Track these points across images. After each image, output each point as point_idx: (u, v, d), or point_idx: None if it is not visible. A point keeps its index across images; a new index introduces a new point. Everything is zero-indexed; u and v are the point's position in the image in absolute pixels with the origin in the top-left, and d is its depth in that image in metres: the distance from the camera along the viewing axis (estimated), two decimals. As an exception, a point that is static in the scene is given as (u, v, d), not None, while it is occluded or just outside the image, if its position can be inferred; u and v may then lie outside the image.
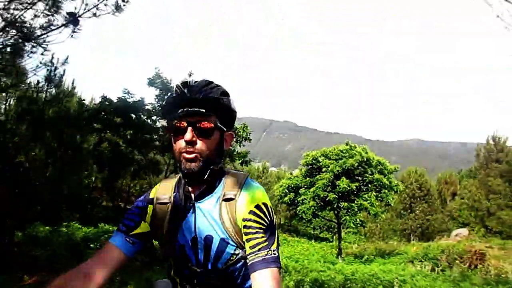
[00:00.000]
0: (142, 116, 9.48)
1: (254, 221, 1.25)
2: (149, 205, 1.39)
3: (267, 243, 1.21)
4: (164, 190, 1.40)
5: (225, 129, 1.33)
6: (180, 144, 1.24)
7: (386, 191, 19.12)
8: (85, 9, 5.15)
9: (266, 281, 1.15)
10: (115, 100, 9.71)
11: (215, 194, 1.33)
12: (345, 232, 30.85)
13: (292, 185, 20.95)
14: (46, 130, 7.56)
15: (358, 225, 19.25)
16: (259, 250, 1.20)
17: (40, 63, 6.73)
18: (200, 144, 1.24)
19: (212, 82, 1.31)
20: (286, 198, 21.36)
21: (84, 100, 8.75)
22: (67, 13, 5.02)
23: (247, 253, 1.23)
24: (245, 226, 1.26)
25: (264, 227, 1.24)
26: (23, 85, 7.07)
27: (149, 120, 9.99)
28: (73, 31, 5.07)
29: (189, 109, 1.23)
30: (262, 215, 1.26)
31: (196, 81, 1.30)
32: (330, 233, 35.36)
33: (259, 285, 1.15)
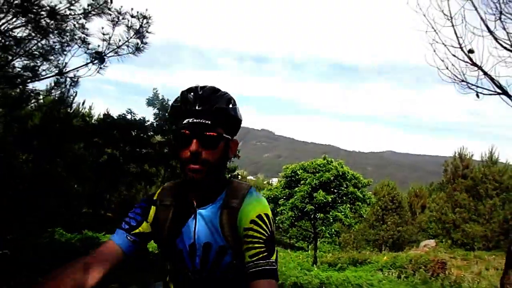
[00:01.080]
0: (141, 132, 10.39)
1: (255, 230, 1.24)
2: (153, 206, 1.39)
3: (267, 253, 1.21)
4: (167, 193, 1.41)
5: (230, 138, 1.33)
6: (185, 154, 1.23)
7: (360, 203, 20.49)
8: (109, 48, 6.11)
9: None
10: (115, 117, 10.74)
11: (217, 202, 1.33)
12: (321, 242, 31.85)
13: (272, 196, 22.00)
14: (55, 144, 8.40)
15: (333, 235, 20.53)
16: (258, 260, 1.20)
17: (55, 85, 7.57)
18: (205, 155, 1.23)
19: (219, 90, 1.30)
20: (265, 208, 22.33)
21: (92, 115, 9.62)
22: (95, 52, 5.95)
23: (245, 261, 1.23)
24: (245, 236, 1.25)
25: (265, 238, 1.24)
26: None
27: (145, 136, 10.92)
28: (100, 68, 6.00)
29: (195, 120, 1.23)
30: (263, 225, 1.25)
31: (202, 88, 1.28)
32: (306, 242, 36.38)
33: None
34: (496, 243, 27.41)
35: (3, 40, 5.51)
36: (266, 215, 1.28)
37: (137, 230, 1.33)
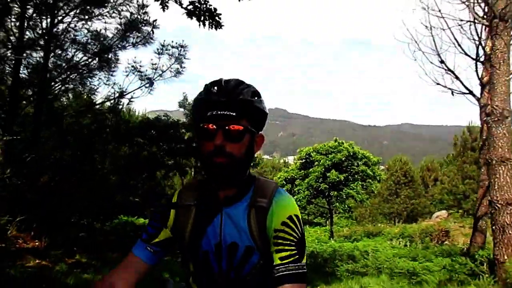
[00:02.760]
0: (175, 131, 12.22)
1: (286, 232, 1.19)
2: (172, 210, 1.32)
3: (298, 256, 1.17)
4: (188, 193, 1.33)
5: (256, 131, 1.26)
6: (209, 147, 1.17)
7: (370, 180, 22.16)
8: (155, 73, 7.83)
9: None
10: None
11: (245, 201, 1.26)
12: (338, 217, 33.57)
13: (289, 177, 23.83)
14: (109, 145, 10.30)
15: (347, 210, 22.29)
16: (289, 263, 1.15)
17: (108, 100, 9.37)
18: (230, 148, 1.16)
19: (243, 82, 1.23)
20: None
21: (137, 118, 11.53)
22: (147, 78, 7.69)
23: (275, 263, 1.17)
24: (276, 237, 1.20)
25: (296, 240, 1.19)
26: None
27: (178, 133, 12.77)
28: (150, 89, 7.75)
29: (219, 112, 1.15)
30: (294, 227, 1.20)
31: (226, 81, 1.21)
32: (323, 218, 38.24)
33: None
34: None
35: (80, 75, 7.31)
36: (297, 216, 1.23)
37: (156, 240, 1.30)
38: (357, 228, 29.86)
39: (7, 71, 7.20)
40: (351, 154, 21.82)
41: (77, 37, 7.53)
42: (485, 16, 6.68)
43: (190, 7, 5.11)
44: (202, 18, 5.31)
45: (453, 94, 7.53)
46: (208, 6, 5.15)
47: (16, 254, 6.01)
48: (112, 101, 8.90)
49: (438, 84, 7.45)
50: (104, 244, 8.44)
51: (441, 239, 16.72)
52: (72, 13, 7.26)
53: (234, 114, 1.15)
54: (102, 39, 7.41)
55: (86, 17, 7.45)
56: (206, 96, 1.19)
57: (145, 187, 11.02)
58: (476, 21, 6.76)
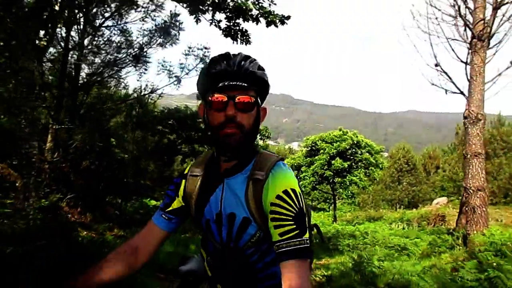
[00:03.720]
0: (192, 122, 13.40)
1: (281, 207, 1.17)
2: (183, 180, 1.39)
3: (298, 231, 1.14)
4: (197, 164, 1.40)
5: (261, 102, 1.29)
6: (219, 118, 1.18)
7: (373, 168, 23.26)
8: (183, 72, 8.90)
9: (295, 272, 1.10)
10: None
11: (244, 172, 1.27)
12: (341, 203, 34.70)
13: (295, 164, 25.01)
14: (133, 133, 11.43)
15: (350, 196, 23.48)
16: (289, 238, 1.13)
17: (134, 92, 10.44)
18: (240, 119, 1.18)
19: (249, 57, 1.24)
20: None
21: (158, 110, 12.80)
22: (175, 76, 8.78)
23: (274, 240, 1.16)
24: (272, 212, 1.18)
25: (293, 214, 1.16)
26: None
27: (195, 123, 13.99)
28: (178, 86, 8.85)
29: (231, 82, 1.17)
30: (290, 201, 1.17)
31: (234, 54, 1.23)
32: (327, 203, 39.48)
33: (288, 277, 1.10)
34: (504, 197, 29.74)
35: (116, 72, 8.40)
36: (293, 190, 1.19)
37: (170, 208, 1.37)
38: (360, 213, 31.03)
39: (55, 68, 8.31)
40: (355, 142, 22.88)
41: (112, 38, 8.61)
42: (466, 36, 8.08)
43: (226, 28, 6.38)
44: (235, 37, 6.66)
45: (446, 93, 8.55)
46: (240, 28, 6.40)
47: (70, 225, 7.15)
48: (141, 94, 9.94)
49: (433, 84, 8.49)
50: (131, 221, 9.63)
51: (438, 223, 17.69)
52: (109, 18, 8.33)
53: (245, 84, 1.18)
54: (135, 40, 8.48)
55: (121, 21, 8.49)
56: (216, 68, 1.19)
57: (157, 171, 12.20)
58: (459, 39, 8.09)
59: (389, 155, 38.20)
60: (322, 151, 23.29)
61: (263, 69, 1.25)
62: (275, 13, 6.45)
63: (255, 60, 1.24)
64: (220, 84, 1.17)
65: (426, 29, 8.41)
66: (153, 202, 13.54)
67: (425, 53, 21.86)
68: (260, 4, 6.42)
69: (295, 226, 1.15)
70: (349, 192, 23.43)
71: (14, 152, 6.43)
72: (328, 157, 22.79)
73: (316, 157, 23.62)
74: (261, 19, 6.43)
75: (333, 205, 26.79)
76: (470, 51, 7.74)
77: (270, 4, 6.52)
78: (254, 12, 6.32)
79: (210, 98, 1.20)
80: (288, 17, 6.66)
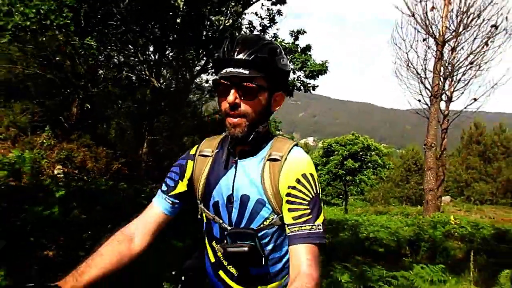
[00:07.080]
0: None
1: (299, 190, 1.17)
2: (189, 161, 1.36)
3: (311, 216, 1.15)
4: (208, 145, 1.37)
5: (275, 89, 1.24)
6: (224, 105, 1.18)
7: (380, 168, 26.69)
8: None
9: (305, 257, 1.09)
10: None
11: (260, 154, 1.26)
12: (354, 199, 37.42)
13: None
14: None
15: (359, 192, 27.07)
16: (303, 222, 1.14)
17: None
18: (244, 107, 1.17)
19: (262, 39, 1.21)
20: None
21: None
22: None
23: (288, 223, 1.17)
24: (288, 194, 1.18)
25: (309, 199, 1.16)
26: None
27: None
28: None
29: (232, 69, 1.15)
30: (308, 185, 1.18)
31: (244, 38, 1.20)
32: (340, 199, 42.58)
33: (297, 260, 1.10)
34: (504, 197, 32.56)
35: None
36: (312, 175, 1.20)
37: (174, 192, 1.34)
38: (369, 208, 33.92)
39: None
40: (366, 146, 26.29)
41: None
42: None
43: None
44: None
45: (429, 108, 12.31)
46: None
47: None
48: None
49: (419, 100, 12.67)
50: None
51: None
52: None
53: (247, 72, 1.14)
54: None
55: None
56: (222, 55, 1.19)
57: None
58: (424, 95, 12.63)
59: (399, 155, 41.09)
60: (336, 152, 26.76)
61: (276, 52, 1.20)
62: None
63: (268, 43, 1.20)
64: (223, 71, 1.18)
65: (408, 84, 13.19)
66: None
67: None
68: None
69: (310, 210, 1.15)
70: (359, 189, 27.01)
71: (126, 155, 10.20)
72: (341, 158, 26.16)
73: (331, 158, 27.06)
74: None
75: (345, 200, 30.32)
76: (430, 103, 12.00)
77: None
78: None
79: (215, 84, 1.20)
80: None
